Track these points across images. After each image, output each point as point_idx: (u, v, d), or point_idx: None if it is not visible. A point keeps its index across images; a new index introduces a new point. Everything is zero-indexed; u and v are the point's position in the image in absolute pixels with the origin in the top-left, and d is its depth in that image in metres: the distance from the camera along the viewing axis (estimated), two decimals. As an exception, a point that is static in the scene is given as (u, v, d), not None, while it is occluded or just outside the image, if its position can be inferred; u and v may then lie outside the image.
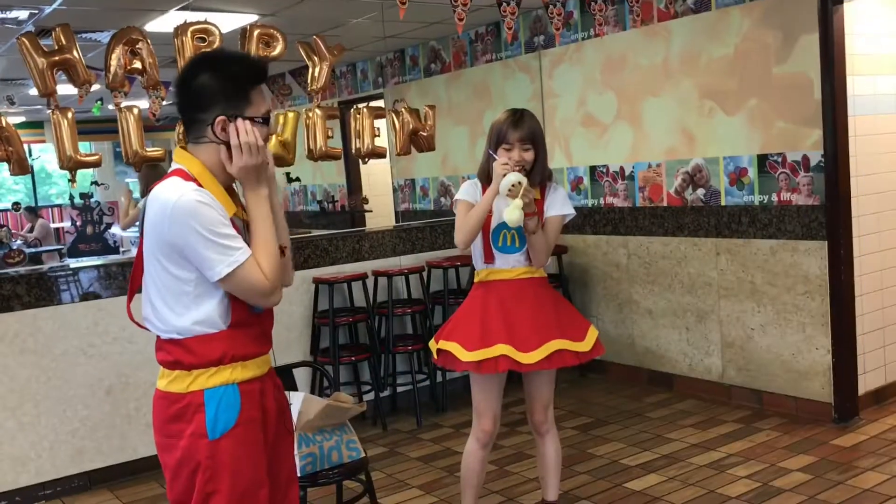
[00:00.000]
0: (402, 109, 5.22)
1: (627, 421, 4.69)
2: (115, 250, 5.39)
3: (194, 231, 1.93)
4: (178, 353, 2.05)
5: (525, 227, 2.90)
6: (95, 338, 4.22)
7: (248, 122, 2.01)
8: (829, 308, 4.34)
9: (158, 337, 2.11)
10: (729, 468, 3.89)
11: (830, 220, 4.28)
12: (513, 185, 2.81)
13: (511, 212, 2.79)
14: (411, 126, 5.22)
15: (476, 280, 3.09)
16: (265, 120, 2.05)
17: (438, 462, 4.26)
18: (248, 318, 2.07)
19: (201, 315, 2.02)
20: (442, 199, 6.94)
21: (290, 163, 4.71)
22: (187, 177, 2.01)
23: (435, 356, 3.05)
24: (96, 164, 4.25)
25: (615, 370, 5.54)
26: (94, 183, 6.80)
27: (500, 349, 2.87)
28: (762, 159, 4.58)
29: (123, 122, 4.24)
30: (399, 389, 5.18)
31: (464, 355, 2.91)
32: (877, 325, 4.56)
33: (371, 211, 7.31)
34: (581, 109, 5.60)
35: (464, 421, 4.87)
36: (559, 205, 3.04)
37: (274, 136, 4.74)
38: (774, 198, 4.54)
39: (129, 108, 4.25)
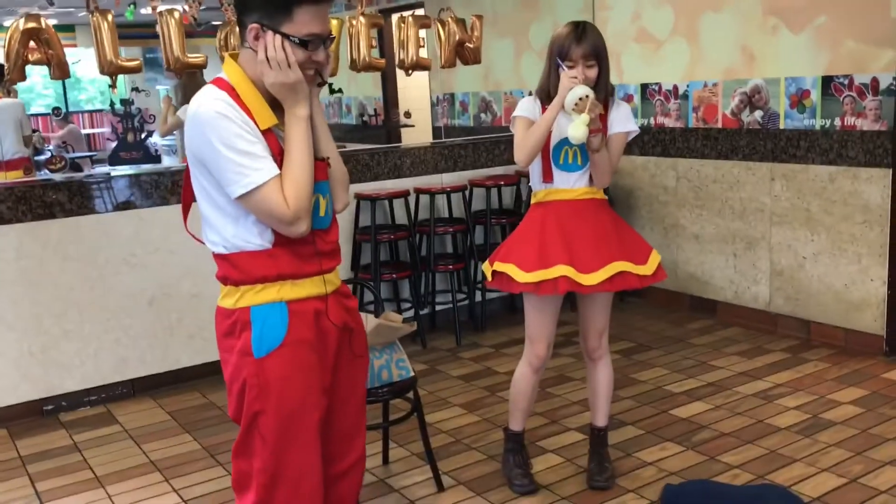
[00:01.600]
0: (449, 19, 5.03)
1: (670, 347, 4.63)
2: (157, 159, 5.30)
3: (210, 144, 1.84)
4: (226, 268, 1.99)
5: (588, 145, 2.77)
6: (137, 247, 4.18)
7: (279, 37, 1.84)
8: (889, 239, 4.19)
9: (213, 252, 2.05)
10: (777, 398, 3.83)
11: (898, 146, 4.09)
12: (580, 99, 2.67)
13: (577, 127, 2.66)
14: (457, 37, 5.04)
15: (534, 201, 2.98)
16: (304, 42, 1.86)
17: (479, 381, 4.24)
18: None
19: (240, 231, 1.94)
20: (482, 116, 6.77)
21: (333, 73, 4.57)
22: (224, 85, 1.91)
23: (489, 278, 2.96)
24: (137, 70, 4.15)
25: (656, 295, 5.45)
26: (135, 89, 6.66)
27: (560, 270, 2.77)
28: (827, 81, 4.35)
29: (164, 27, 4.10)
30: (438, 308, 5.13)
31: (521, 276, 2.82)
32: (934, 258, 4.41)
33: (414, 126, 7.15)
34: (635, 23, 5.35)
35: (502, 341, 4.83)
36: (623, 121, 2.90)
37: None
38: (837, 122, 4.34)
39: (170, 12, 4.11)
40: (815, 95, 4.41)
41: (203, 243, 2.06)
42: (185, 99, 6.40)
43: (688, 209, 5.20)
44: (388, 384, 2.91)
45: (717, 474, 3.14)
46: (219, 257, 2.00)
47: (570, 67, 2.77)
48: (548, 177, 2.90)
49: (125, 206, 4.15)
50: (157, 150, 5.53)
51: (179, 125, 6.36)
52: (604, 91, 2.82)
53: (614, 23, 5.50)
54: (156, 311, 4.25)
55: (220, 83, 1.92)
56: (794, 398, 3.82)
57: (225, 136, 1.83)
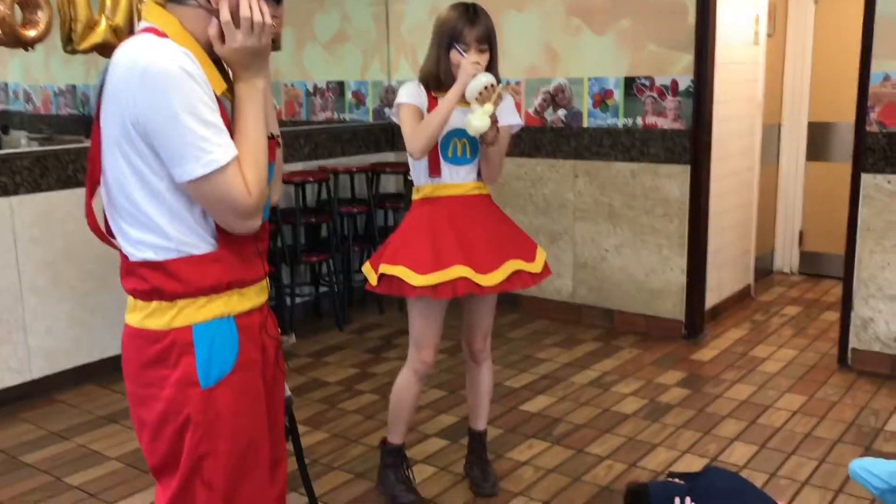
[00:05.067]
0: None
1: (492, 342, 4.61)
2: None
3: (169, 108, 1.46)
4: (157, 278, 1.58)
5: (484, 138, 2.63)
6: None
7: None
8: (688, 230, 4.53)
9: (125, 258, 1.62)
10: (611, 386, 3.96)
11: (696, 144, 4.41)
12: (485, 88, 2.52)
13: (479, 118, 2.51)
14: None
15: (417, 196, 2.77)
16: None
17: (312, 394, 3.92)
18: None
19: (183, 227, 1.56)
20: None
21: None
22: (162, 36, 1.53)
23: (374, 282, 2.70)
24: None
25: (459, 292, 5.43)
26: None
27: (458, 271, 2.61)
28: (629, 82, 4.60)
29: None
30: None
31: (415, 280, 2.60)
32: (715, 247, 4.84)
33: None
34: (433, 18, 5.27)
35: (318, 349, 4.54)
36: (509, 113, 2.79)
37: (104, 20, 4.00)
38: (639, 121, 4.60)
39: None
40: (618, 95, 4.65)
41: (115, 246, 1.63)
42: None
43: (490, 205, 5.24)
44: (266, 407, 2.55)
45: (592, 466, 3.16)
46: (145, 266, 1.58)
47: (464, 52, 2.61)
48: (435, 171, 2.71)
49: None
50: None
51: None
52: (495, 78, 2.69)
53: (410, 17, 5.40)
54: None
55: (157, 34, 1.51)
56: (626, 384, 3.97)
57: (189, 101, 1.46)
